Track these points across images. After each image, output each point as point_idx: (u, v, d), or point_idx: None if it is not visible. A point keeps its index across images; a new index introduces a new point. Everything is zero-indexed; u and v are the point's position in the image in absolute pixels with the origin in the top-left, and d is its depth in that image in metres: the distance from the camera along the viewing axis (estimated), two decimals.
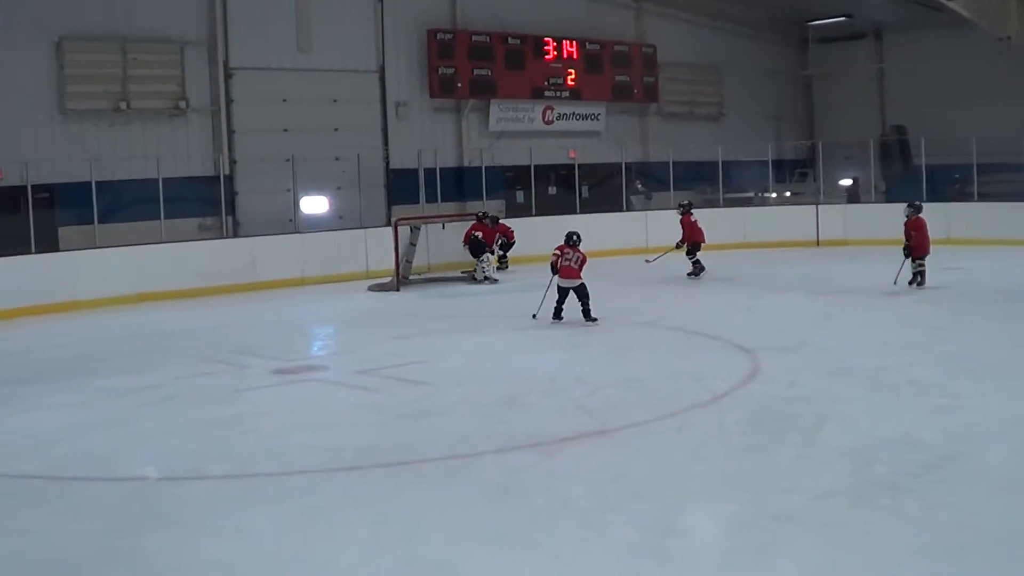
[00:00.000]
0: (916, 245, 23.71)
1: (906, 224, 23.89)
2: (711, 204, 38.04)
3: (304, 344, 21.03)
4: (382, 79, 35.30)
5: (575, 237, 20.89)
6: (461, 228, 29.50)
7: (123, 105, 29.99)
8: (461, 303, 24.77)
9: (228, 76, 31.99)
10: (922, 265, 23.74)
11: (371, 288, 28.05)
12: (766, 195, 40.02)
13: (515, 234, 31.33)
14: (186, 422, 14.00)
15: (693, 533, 9.23)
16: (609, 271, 25.95)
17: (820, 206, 35.96)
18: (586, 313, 20.36)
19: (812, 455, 11.38)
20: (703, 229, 27.97)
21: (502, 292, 25.87)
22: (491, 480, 10.87)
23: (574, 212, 35.59)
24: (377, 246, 29.66)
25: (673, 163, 38.02)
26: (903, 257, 23.75)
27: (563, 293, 20.64)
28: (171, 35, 30.96)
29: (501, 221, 31.44)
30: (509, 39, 37.73)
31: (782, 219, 36.50)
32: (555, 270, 20.76)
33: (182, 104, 31.06)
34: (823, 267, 25.75)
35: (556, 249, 20.89)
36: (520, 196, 37.43)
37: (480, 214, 30.03)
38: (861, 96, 45.60)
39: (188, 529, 9.70)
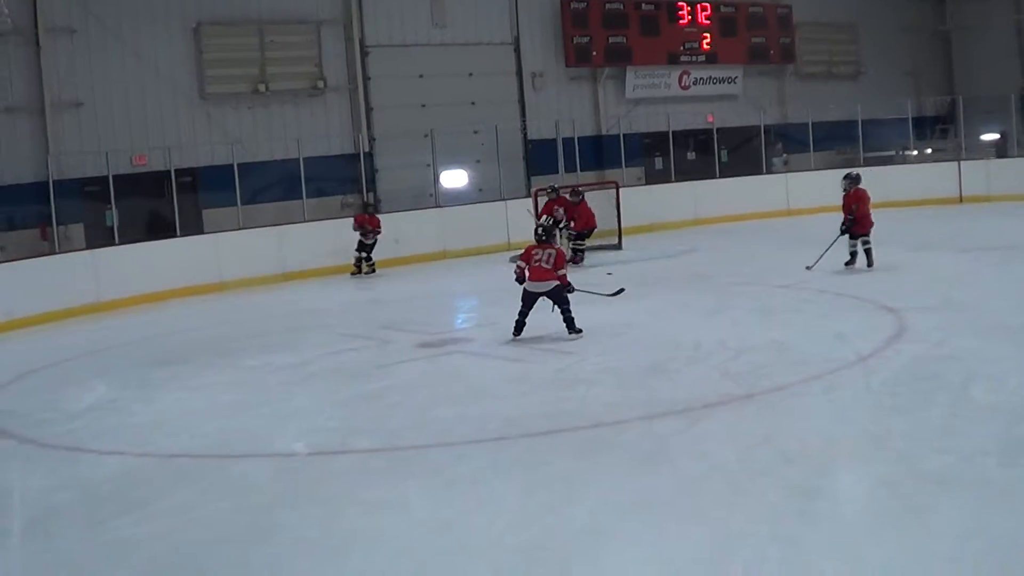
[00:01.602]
0: (860, 220, 21.65)
1: (845, 198, 21.84)
2: (851, 163, 37.64)
3: (448, 317, 21.14)
4: (517, 50, 35.36)
5: (540, 230, 17.64)
6: (601, 197, 29.26)
7: (262, 87, 30.39)
8: (601, 271, 24.67)
9: (364, 54, 32.25)
10: (868, 243, 21.73)
11: (513, 259, 28.08)
12: (907, 153, 39.42)
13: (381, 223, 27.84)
14: (333, 398, 14.20)
15: (843, 495, 9.20)
16: (750, 234, 25.79)
17: (962, 162, 35.40)
18: (569, 323, 16.82)
19: (961, 414, 11.25)
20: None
21: (641, 260, 25.72)
22: (638, 447, 10.88)
23: (714, 177, 35.47)
24: (518, 217, 29.70)
25: (812, 124, 37.63)
26: (837, 234, 21.68)
27: (530, 300, 16.87)
28: (306, 15, 31.29)
29: (372, 213, 28.16)
30: (643, 5, 37.52)
31: (923, 177, 35.95)
32: (522, 280, 17.04)
33: (320, 84, 31.38)
34: (967, 224, 25.39)
35: (521, 258, 17.39)
36: (659, 163, 37.30)
37: (549, 188, 28.98)
38: (1001, 49, 44.56)
39: (337, 504, 9.84)
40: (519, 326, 16.95)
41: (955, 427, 10.80)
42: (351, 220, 27.56)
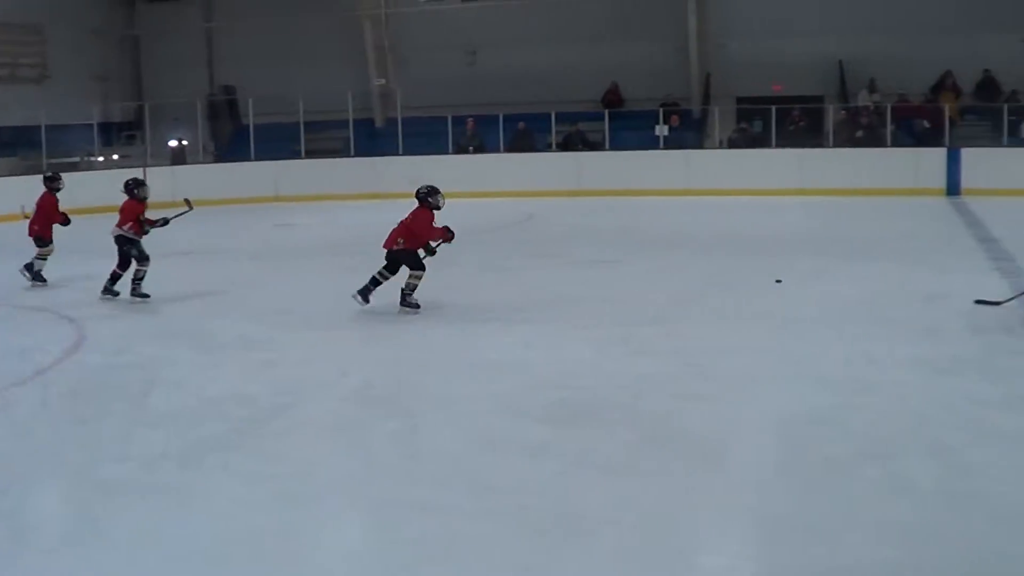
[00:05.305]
0: None
1: None
2: (35, 171, 37.10)
3: None
4: None
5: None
6: None
7: None
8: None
9: None
10: None
11: None
12: (92, 159, 39.37)
13: None
14: None
15: None
16: None
17: (148, 168, 35.72)
18: None
19: (140, 421, 11.36)
20: None
21: None
22: None
23: None
24: None
25: None
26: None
27: None
28: None
29: None
30: None
31: (112, 182, 35.96)
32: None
33: None
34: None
35: None
36: None
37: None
38: (190, 56, 45.31)
39: None
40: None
41: (134, 435, 10.86)
42: None
